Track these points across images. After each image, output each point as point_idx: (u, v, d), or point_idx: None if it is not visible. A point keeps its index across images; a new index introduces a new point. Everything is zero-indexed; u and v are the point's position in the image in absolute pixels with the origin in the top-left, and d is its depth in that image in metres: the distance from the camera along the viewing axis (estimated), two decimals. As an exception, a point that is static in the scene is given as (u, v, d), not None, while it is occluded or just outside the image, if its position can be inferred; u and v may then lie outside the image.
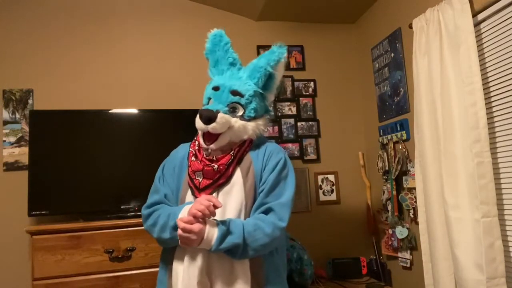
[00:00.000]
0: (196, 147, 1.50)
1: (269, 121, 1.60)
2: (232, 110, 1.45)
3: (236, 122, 1.43)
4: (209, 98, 1.49)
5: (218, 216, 1.35)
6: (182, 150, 1.58)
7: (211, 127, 1.38)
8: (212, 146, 1.42)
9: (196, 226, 1.26)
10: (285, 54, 1.48)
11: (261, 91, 1.49)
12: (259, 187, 1.43)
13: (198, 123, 1.43)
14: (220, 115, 1.39)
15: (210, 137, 1.42)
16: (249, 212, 1.40)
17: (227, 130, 1.42)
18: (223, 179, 1.41)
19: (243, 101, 1.45)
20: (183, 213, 1.33)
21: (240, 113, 1.46)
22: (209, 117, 1.38)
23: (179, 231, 1.26)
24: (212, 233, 1.28)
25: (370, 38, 2.76)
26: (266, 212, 1.39)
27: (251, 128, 1.47)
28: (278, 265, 1.47)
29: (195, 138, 1.55)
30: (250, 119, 1.47)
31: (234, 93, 1.45)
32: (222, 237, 1.28)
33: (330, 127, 2.86)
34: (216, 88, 1.47)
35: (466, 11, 1.74)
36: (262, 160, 1.47)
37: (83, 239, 1.92)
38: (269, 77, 1.49)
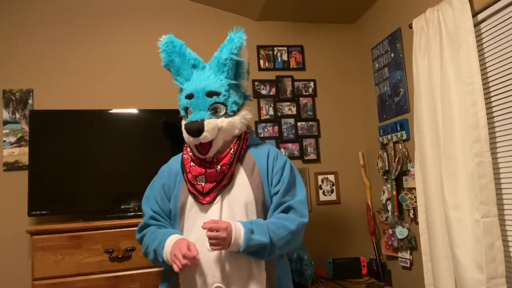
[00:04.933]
0: (190, 153, 1.47)
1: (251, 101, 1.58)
2: (214, 112, 1.42)
3: (223, 122, 1.41)
4: (186, 108, 1.46)
5: (226, 218, 1.34)
6: (174, 162, 1.56)
7: (202, 137, 1.37)
8: (209, 154, 1.41)
9: (223, 223, 1.25)
10: (244, 37, 1.43)
11: (234, 82, 1.46)
12: (270, 187, 1.43)
13: (188, 138, 1.41)
14: (206, 122, 1.37)
15: (203, 147, 1.40)
16: (260, 211, 1.40)
17: (218, 133, 1.40)
18: (226, 180, 1.40)
19: (221, 99, 1.42)
20: (167, 247, 1.33)
21: (223, 111, 1.43)
22: (197, 129, 1.36)
23: (208, 233, 1.24)
24: (240, 229, 1.27)
25: (370, 38, 2.76)
26: (286, 211, 1.39)
27: (238, 121, 1.45)
28: (287, 266, 1.48)
29: (185, 146, 1.52)
30: (234, 113, 1.45)
31: (210, 94, 1.41)
32: (249, 234, 1.27)
33: (330, 127, 2.86)
34: (190, 96, 1.44)
35: (466, 11, 1.73)
36: (267, 160, 1.46)
37: (83, 239, 1.92)
38: (237, 64, 1.45)
